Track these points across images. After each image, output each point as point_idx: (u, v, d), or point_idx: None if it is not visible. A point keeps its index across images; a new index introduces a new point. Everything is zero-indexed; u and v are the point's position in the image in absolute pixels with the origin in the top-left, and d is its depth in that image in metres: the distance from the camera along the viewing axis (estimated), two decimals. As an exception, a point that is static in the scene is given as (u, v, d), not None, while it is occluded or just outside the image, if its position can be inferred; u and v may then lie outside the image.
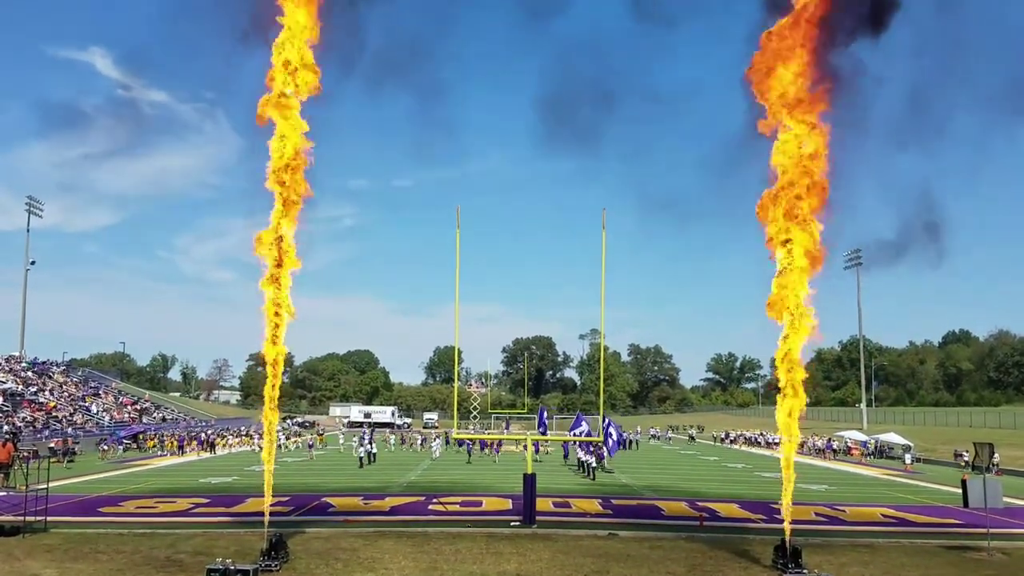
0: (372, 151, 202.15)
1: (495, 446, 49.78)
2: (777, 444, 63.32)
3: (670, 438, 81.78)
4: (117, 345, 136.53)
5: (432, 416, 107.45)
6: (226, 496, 26.82)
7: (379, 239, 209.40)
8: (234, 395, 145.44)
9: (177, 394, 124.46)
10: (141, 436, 53.89)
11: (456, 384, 32.14)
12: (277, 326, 16.25)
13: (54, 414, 54.89)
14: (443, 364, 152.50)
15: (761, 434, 70.12)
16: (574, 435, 39.47)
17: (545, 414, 42.13)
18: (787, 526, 15.68)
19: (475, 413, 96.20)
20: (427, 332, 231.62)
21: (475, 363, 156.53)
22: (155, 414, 71.58)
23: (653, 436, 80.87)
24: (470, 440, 48.31)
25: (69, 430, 51.24)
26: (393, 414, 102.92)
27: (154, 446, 50.77)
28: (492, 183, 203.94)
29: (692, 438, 79.49)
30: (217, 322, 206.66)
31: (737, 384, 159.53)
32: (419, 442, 59.73)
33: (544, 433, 42.93)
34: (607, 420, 41.01)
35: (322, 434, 68.49)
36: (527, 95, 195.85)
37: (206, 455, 48.82)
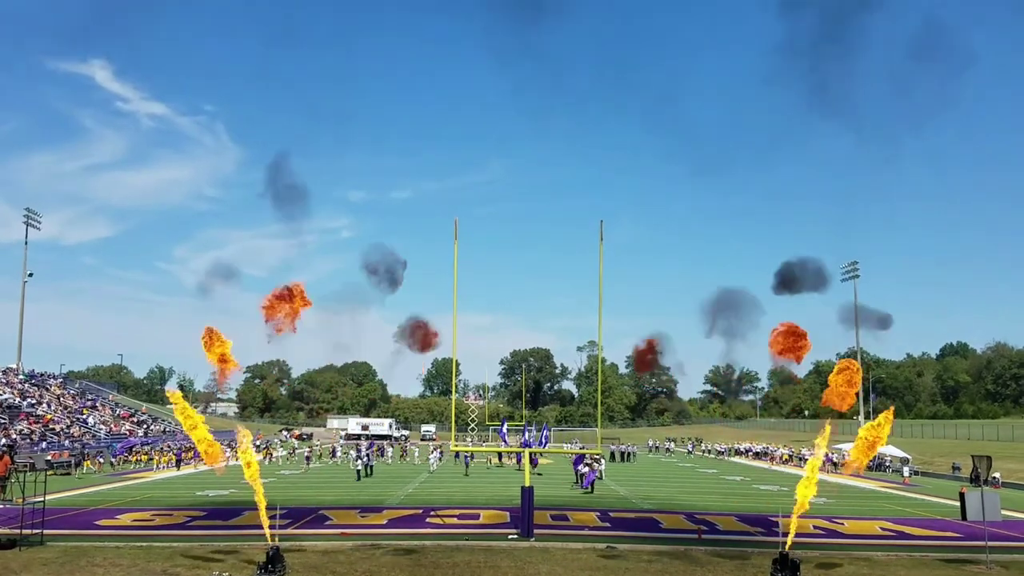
0: (371, 163, 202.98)
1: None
2: (777, 457, 63.23)
3: (690, 452, 76.30)
4: (115, 357, 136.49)
5: (430, 428, 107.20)
6: (223, 509, 26.74)
7: (377, 250, 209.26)
8: (231, 407, 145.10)
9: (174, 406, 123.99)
10: (134, 450, 53.59)
11: (454, 396, 32.12)
12: None
13: (51, 426, 54.72)
14: (441, 376, 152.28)
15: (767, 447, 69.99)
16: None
17: (506, 427, 44.69)
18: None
19: (473, 425, 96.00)
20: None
21: (473, 375, 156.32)
22: (152, 426, 71.36)
23: (665, 448, 79.95)
24: (468, 453, 48.15)
25: (66, 443, 51.09)
26: (391, 426, 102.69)
27: (145, 461, 50.21)
28: (490, 194, 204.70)
29: (718, 452, 73.87)
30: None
31: (735, 396, 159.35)
32: (410, 453, 59.22)
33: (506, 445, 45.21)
34: (544, 427, 47.35)
35: (267, 446, 61.13)
36: (526, 100, 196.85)
37: (203, 468, 48.62)
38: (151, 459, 50.07)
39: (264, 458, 53.60)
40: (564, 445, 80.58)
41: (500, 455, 52.09)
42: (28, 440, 48.56)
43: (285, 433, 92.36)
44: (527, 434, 50.55)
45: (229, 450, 57.62)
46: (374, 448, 50.84)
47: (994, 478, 38.88)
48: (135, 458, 50.84)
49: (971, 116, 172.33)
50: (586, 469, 36.31)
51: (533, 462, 47.62)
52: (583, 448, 59.47)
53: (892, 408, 17.05)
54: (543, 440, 44.22)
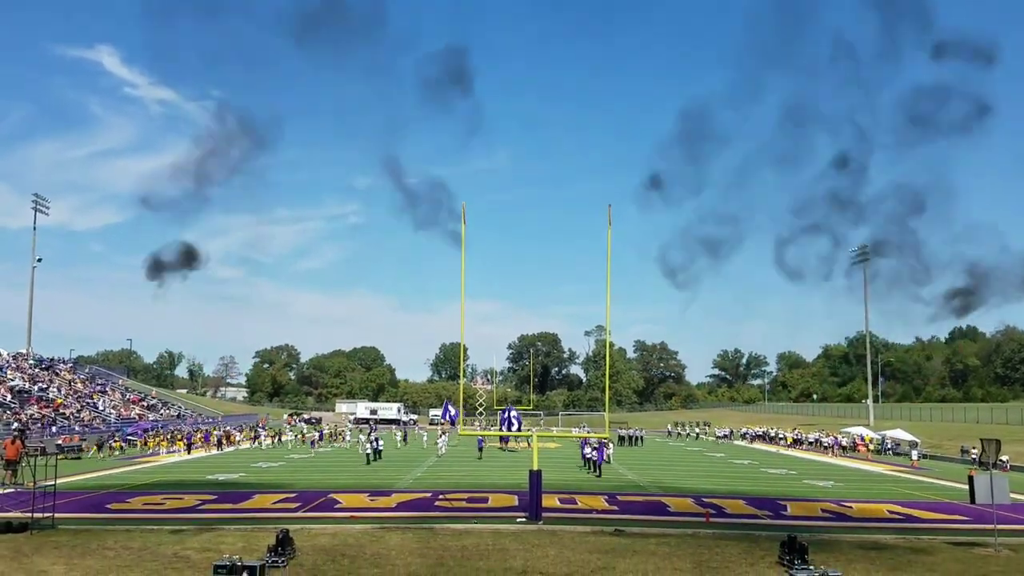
0: (378, 148, 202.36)
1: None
2: (783, 439, 63.36)
3: (721, 438, 72.88)
4: (124, 342, 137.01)
5: (438, 413, 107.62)
6: (233, 492, 26.91)
7: (384, 236, 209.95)
8: (240, 392, 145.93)
9: (183, 391, 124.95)
10: (148, 433, 53.99)
11: (462, 381, 32.15)
12: None
13: (61, 411, 55.11)
14: (449, 361, 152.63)
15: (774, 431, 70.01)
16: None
17: (450, 405, 46.61)
18: None
19: (481, 410, 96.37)
20: (433, 329, 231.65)
21: (481, 360, 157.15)
22: (162, 411, 71.84)
23: (688, 433, 79.08)
24: (481, 437, 48.44)
25: (76, 427, 51.48)
26: (399, 411, 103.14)
27: (154, 445, 50.37)
28: (498, 179, 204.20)
29: (721, 436, 72.44)
30: (223, 319, 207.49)
31: (743, 380, 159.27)
32: (401, 437, 58.98)
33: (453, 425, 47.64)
34: (509, 408, 52.18)
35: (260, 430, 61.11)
36: (530, 92, 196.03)
37: (214, 451, 49.00)
38: (167, 441, 50.39)
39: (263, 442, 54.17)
40: (572, 429, 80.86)
41: (503, 439, 52.80)
42: (39, 424, 48.92)
43: (295, 418, 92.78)
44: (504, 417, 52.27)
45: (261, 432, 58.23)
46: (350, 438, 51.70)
47: (1002, 461, 38.82)
48: (141, 441, 51.23)
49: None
50: (593, 452, 36.40)
51: (504, 441, 51.41)
52: (590, 432, 59.77)
53: None
54: (509, 422, 49.39)
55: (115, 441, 47.42)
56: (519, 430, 49.43)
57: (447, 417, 45.08)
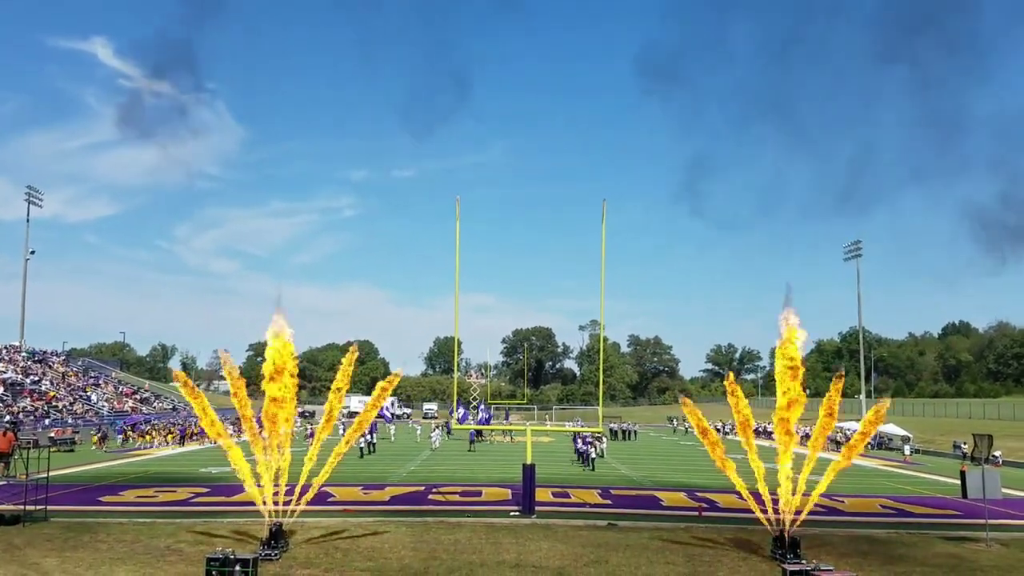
0: (374, 141, 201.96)
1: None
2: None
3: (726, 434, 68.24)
4: (117, 335, 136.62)
5: (432, 406, 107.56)
6: (226, 485, 26.83)
7: (379, 229, 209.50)
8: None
9: (177, 384, 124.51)
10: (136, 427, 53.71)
11: (456, 375, 32.18)
12: None
13: (54, 403, 54.95)
14: (443, 355, 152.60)
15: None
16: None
17: (388, 404, 47.25)
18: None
19: (475, 404, 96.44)
20: (427, 323, 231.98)
21: (475, 354, 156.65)
22: (155, 404, 71.69)
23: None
24: (474, 430, 48.57)
25: (69, 420, 51.32)
26: (393, 404, 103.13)
27: (149, 439, 50.10)
28: (493, 174, 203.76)
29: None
30: (217, 312, 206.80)
31: (737, 375, 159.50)
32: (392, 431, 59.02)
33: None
34: (480, 403, 53.66)
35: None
36: (530, 85, 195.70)
37: (207, 444, 48.83)
38: (162, 434, 50.18)
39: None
40: (566, 424, 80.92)
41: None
42: (32, 417, 48.77)
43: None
44: (483, 411, 52.41)
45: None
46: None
47: (994, 456, 39.00)
48: (128, 434, 50.95)
49: (969, 100, 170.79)
50: (585, 447, 36.42)
51: (479, 434, 51.77)
52: (583, 426, 59.86)
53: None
54: (487, 418, 51.43)
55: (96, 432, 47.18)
56: (486, 423, 50.30)
57: (384, 415, 45.27)
